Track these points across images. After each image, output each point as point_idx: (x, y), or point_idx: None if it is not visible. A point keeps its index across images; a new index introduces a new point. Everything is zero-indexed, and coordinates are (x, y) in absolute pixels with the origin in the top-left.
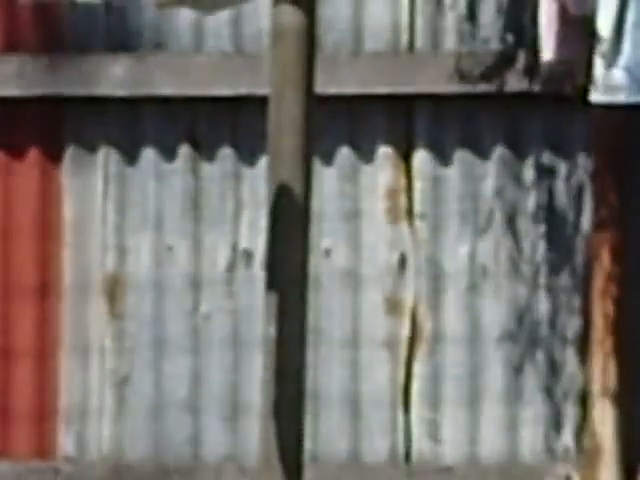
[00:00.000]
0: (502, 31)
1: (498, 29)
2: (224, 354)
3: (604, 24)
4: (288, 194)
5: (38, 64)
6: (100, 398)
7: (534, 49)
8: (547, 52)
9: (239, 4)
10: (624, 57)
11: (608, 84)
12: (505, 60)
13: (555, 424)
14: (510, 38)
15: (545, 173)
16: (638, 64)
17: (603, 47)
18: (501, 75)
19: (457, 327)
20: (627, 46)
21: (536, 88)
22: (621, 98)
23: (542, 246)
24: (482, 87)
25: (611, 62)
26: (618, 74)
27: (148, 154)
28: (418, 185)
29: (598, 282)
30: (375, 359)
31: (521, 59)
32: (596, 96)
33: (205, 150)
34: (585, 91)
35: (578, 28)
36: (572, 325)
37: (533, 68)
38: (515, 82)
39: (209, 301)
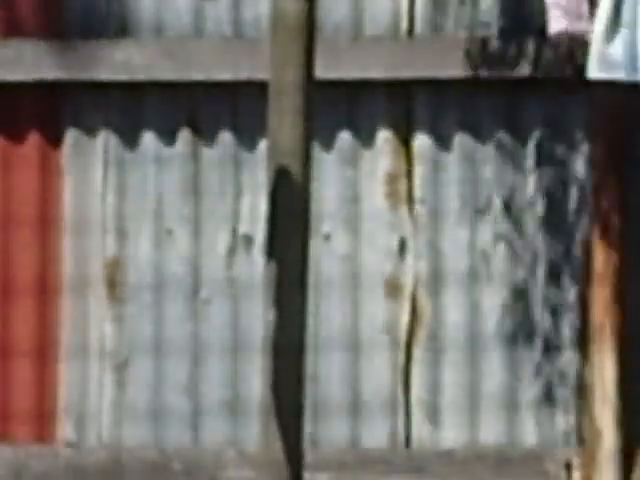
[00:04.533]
0: (502, 15)
1: (498, 13)
2: (224, 339)
3: (603, 1)
4: (288, 179)
5: (39, 49)
6: (100, 383)
7: (534, 33)
8: (553, 25)
9: None
10: (622, 34)
11: (606, 60)
12: (505, 44)
13: (555, 409)
14: (510, 22)
15: (545, 158)
16: (635, 43)
17: (601, 24)
18: (501, 59)
19: (457, 311)
20: (625, 24)
21: (536, 72)
22: (620, 75)
23: (541, 230)
24: (482, 72)
25: (609, 39)
26: (616, 51)
27: (148, 139)
28: (418, 170)
29: (598, 268)
30: (375, 343)
31: (521, 43)
32: (594, 72)
33: (205, 135)
34: (583, 76)
35: (582, 5)
36: (572, 310)
37: (534, 52)
38: (515, 66)
39: (209, 286)
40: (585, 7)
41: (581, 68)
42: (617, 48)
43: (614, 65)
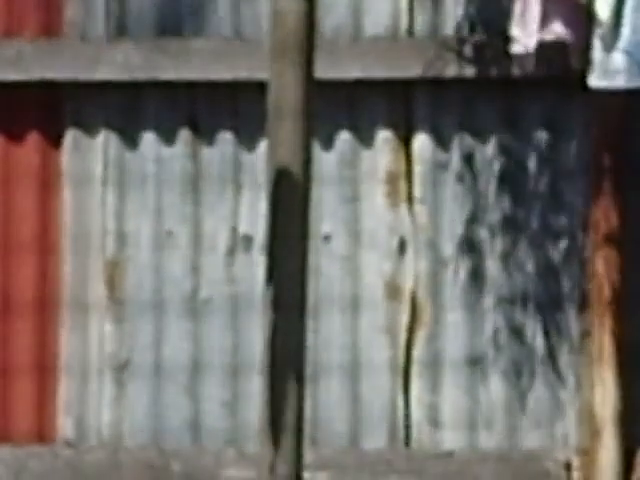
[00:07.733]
0: (502, 15)
1: (498, 13)
2: (224, 338)
3: (603, 7)
4: (288, 178)
5: (38, 48)
6: (100, 382)
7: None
8: (515, 46)
9: None
10: (623, 41)
11: (607, 68)
12: (505, 44)
13: (555, 409)
14: (510, 22)
15: (545, 157)
16: (637, 48)
17: (602, 31)
18: (501, 59)
19: (457, 311)
20: (626, 30)
21: (537, 72)
22: (620, 82)
23: (542, 230)
24: (482, 71)
25: (610, 46)
26: (617, 58)
27: (148, 138)
28: (418, 169)
29: (598, 270)
30: (375, 344)
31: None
32: (595, 81)
33: (205, 134)
34: (584, 76)
35: (576, 11)
36: (572, 311)
37: (534, 52)
38: (515, 66)
39: (209, 286)
40: (573, 16)
41: (581, 68)
42: (618, 56)
43: (615, 73)
